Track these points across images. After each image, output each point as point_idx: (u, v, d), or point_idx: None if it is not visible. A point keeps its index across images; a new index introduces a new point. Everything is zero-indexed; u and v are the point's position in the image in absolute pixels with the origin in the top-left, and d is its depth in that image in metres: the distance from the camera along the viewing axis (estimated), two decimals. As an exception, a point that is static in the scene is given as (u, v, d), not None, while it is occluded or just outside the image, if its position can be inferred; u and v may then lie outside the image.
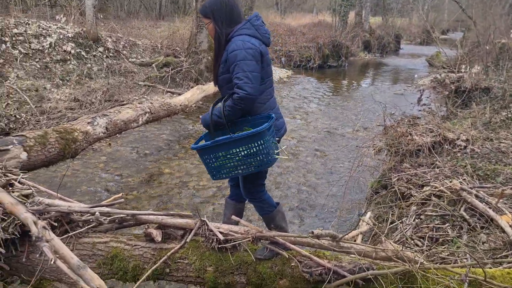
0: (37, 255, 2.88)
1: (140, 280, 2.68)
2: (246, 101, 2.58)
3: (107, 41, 9.77)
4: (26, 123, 6.37)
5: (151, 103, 5.84)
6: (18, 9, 9.72)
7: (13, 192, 2.87)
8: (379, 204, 4.41)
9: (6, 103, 6.68)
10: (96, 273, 2.89)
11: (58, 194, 2.99)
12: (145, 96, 8.57)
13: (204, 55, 11.00)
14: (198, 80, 10.57)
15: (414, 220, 4.05)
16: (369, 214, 3.87)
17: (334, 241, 2.44)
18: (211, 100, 10.14)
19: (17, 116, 6.34)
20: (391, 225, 4.07)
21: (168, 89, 9.43)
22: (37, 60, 8.06)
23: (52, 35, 8.68)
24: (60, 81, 7.97)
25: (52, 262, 1.87)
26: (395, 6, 32.79)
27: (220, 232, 2.67)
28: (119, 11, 21.23)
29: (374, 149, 5.13)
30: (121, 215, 2.82)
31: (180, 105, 6.91)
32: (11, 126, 6.16)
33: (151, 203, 5.07)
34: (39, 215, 2.78)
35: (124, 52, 10.08)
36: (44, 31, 8.68)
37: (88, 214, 2.84)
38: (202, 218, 2.71)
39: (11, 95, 6.90)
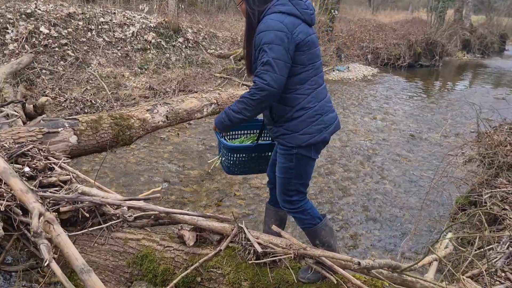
0: (68, 246, 2.71)
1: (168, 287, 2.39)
2: (264, 93, 2.16)
3: (187, 31, 9.80)
4: (100, 108, 6.48)
5: (218, 93, 5.58)
6: (108, 0, 10.13)
7: (50, 177, 2.74)
8: (464, 224, 3.72)
9: (85, 88, 6.87)
10: (126, 272, 2.67)
11: (96, 183, 2.81)
12: (220, 88, 8.41)
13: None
14: (276, 74, 10.23)
15: (507, 248, 3.33)
16: (449, 235, 3.23)
17: (394, 271, 1.93)
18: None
19: (93, 102, 6.47)
20: (477, 251, 3.38)
21: (244, 82, 9.21)
22: (118, 48, 8.26)
23: (135, 25, 8.86)
24: (139, 70, 8.09)
25: (45, 264, 1.62)
26: (502, 3, 29.80)
27: (259, 243, 2.28)
28: (209, 6, 21.61)
29: (463, 158, 4.39)
30: (154, 212, 2.55)
31: (251, 98, 6.61)
32: (86, 110, 6.29)
33: (209, 197, 4.82)
34: (72, 203, 2.61)
35: (203, 43, 10.04)
36: (128, 21, 8.90)
37: (122, 207, 2.61)
38: (240, 225, 2.34)
39: (90, 81, 7.09)
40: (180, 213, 2.52)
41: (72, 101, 6.27)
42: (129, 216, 2.45)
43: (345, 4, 25.80)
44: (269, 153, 3.02)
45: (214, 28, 11.71)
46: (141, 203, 2.51)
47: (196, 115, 5.07)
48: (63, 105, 6.18)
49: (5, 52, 6.60)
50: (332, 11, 15.82)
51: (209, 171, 5.40)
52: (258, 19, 2.29)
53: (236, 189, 5.04)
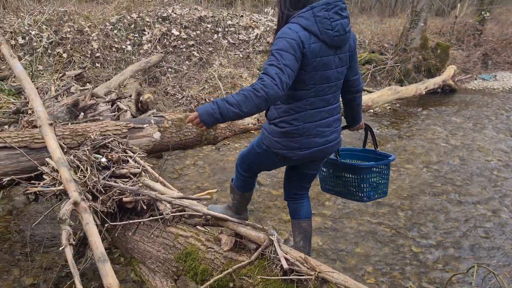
0: (130, 233, 2.96)
1: (201, 288, 2.44)
2: (271, 92, 1.99)
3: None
4: (212, 106, 6.87)
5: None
6: (240, 4, 10.65)
7: (122, 168, 3.01)
8: None
9: (202, 87, 7.36)
10: (173, 266, 2.81)
11: (160, 178, 3.00)
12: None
13: (414, 53, 9.92)
14: (402, 80, 9.61)
15: None
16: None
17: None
18: (412, 104, 9.08)
19: (207, 100, 6.90)
20: None
21: (364, 88, 8.84)
22: (241, 50, 8.65)
23: (260, 27, 9.17)
24: (257, 71, 8.36)
25: (61, 248, 1.80)
26: None
27: (286, 260, 2.19)
28: (352, 7, 21.16)
29: None
30: (200, 213, 2.63)
31: (360, 105, 6.33)
32: (198, 108, 6.73)
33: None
34: (134, 195, 2.84)
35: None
36: (253, 23, 9.25)
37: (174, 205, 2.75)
38: (271, 237, 2.28)
39: (209, 80, 7.57)
40: (222, 218, 2.55)
41: (188, 98, 6.78)
42: (166, 214, 2.57)
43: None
44: (348, 175, 2.97)
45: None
46: (187, 202, 2.61)
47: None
48: (179, 101, 6.73)
49: (140, 51, 7.44)
50: (483, 12, 14.18)
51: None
52: (284, 23, 2.21)
53: (327, 197, 4.88)
